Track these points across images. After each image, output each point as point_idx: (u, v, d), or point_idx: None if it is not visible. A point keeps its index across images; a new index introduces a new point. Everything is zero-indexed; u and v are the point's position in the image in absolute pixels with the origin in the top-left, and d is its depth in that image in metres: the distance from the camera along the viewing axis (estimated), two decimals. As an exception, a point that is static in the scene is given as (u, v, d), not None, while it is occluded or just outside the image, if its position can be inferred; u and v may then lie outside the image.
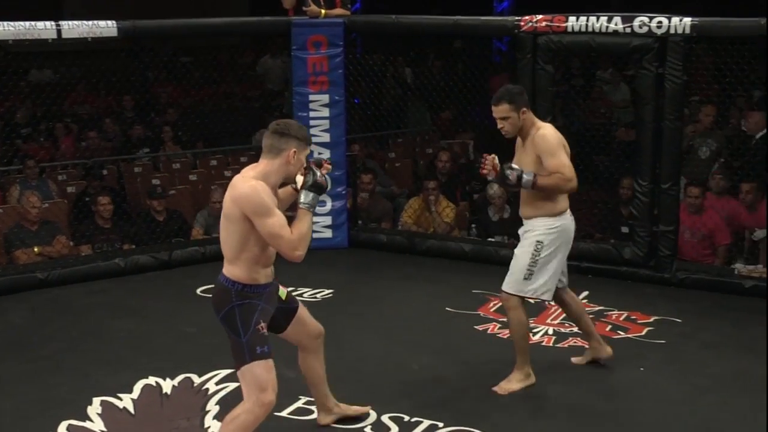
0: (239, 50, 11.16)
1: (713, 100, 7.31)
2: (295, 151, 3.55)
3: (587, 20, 6.29)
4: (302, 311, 3.96)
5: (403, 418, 4.35)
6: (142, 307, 6.10)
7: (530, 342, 5.36)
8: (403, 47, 9.25)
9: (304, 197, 3.59)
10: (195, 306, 6.04)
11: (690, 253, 6.63)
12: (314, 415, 4.33)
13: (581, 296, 6.15)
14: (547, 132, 4.47)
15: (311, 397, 4.35)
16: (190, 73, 9.76)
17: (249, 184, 3.49)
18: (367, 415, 4.34)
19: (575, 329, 5.52)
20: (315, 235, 7.30)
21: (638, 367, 5.00)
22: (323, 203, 7.27)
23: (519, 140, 4.61)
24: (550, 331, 5.55)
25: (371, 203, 7.72)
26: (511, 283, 4.59)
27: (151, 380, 4.79)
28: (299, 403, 4.49)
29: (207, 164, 8.93)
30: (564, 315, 5.80)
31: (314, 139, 7.28)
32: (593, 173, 7.07)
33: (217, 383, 4.75)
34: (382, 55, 8.99)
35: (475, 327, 5.64)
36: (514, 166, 4.48)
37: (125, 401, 4.56)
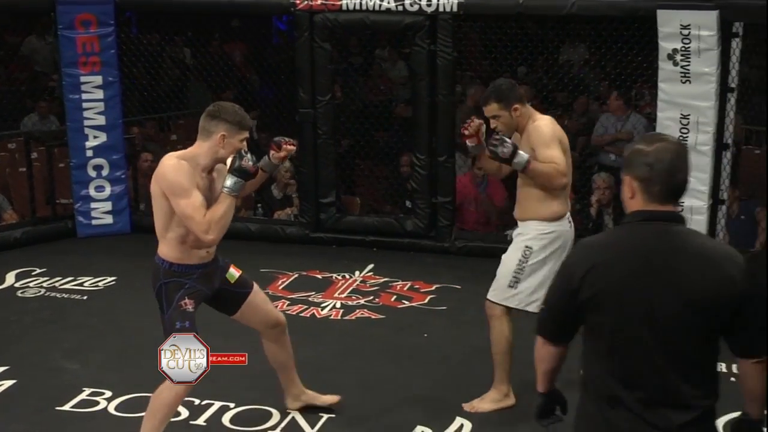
0: (1, 29, 10.40)
1: (482, 75, 7.67)
2: (224, 135, 3.48)
3: (361, -2, 6.41)
4: (256, 298, 3.91)
5: (194, 401, 4.29)
6: None
7: (319, 316, 5.47)
8: (181, 27, 9.01)
9: (226, 181, 3.53)
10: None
11: (472, 224, 6.95)
12: (99, 407, 4.20)
13: (367, 269, 6.32)
14: (541, 123, 4.08)
15: (99, 388, 4.23)
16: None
17: (171, 162, 3.47)
18: (336, 405, 4.22)
19: (362, 301, 5.68)
20: (95, 222, 7.09)
21: (422, 333, 5.20)
22: (102, 188, 7.03)
23: (516, 134, 4.17)
24: (338, 305, 5.65)
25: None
26: (495, 291, 4.20)
27: None
28: (83, 395, 4.34)
29: (-31, 152, 8.32)
30: (351, 288, 5.96)
31: (88, 123, 6.99)
32: (375, 150, 7.24)
33: (-9, 383, 4.50)
34: (158, 35, 8.69)
35: (264, 306, 5.65)
36: (507, 139, 3.98)
37: None
